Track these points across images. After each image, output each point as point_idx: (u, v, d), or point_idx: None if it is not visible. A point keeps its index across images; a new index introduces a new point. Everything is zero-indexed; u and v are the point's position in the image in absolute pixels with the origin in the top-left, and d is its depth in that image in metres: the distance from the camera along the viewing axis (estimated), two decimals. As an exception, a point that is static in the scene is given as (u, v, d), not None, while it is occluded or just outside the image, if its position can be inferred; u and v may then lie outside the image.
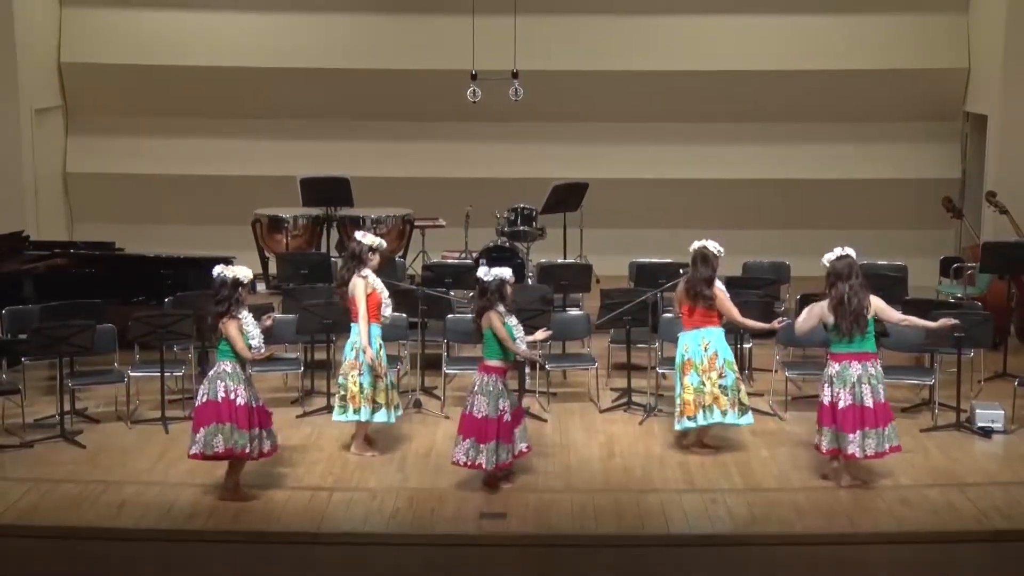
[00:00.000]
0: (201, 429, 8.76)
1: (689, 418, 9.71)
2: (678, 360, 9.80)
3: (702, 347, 9.70)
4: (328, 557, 8.43)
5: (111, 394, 10.85)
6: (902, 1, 15.70)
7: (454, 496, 9.06)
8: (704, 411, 9.68)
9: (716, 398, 9.67)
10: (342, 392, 9.75)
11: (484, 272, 9.14)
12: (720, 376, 9.65)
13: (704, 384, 9.66)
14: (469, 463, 9.04)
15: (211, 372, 8.92)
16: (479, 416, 8.97)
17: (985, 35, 15.20)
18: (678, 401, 9.78)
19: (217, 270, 8.91)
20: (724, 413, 9.68)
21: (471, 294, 9.88)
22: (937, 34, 15.74)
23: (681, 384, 9.73)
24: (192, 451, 8.86)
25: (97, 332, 10.35)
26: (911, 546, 8.46)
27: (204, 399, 8.79)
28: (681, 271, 10.29)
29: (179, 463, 9.52)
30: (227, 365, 8.81)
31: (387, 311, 9.79)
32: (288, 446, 9.99)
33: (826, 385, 9.11)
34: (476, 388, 9.05)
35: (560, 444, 10.19)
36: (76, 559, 8.41)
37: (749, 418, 9.83)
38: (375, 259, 9.75)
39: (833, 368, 9.08)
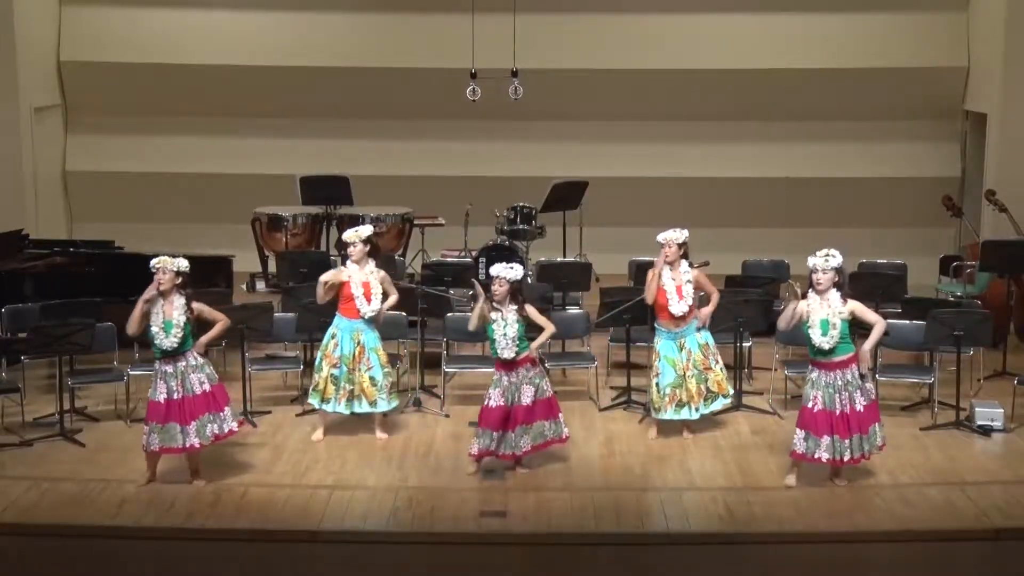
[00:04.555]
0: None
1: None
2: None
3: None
4: (328, 555, 8.42)
5: (111, 392, 10.84)
6: (902, -1, 15.75)
7: (454, 495, 9.05)
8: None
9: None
10: (349, 387, 9.90)
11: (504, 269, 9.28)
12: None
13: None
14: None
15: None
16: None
17: (985, 33, 15.19)
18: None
19: None
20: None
21: (471, 292, 9.89)
22: (937, 32, 15.72)
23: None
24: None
25: (97, 331, 10.35)
26: (911, 545, 8.45)
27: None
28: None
29: (178, 461, 9.52)
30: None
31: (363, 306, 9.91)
32: (288, 445, 10.00)
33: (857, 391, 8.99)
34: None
35: (560, 442, 10.20)
36: (76, 558, 8.41)
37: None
38: (353, 252, 9.94)
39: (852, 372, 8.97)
